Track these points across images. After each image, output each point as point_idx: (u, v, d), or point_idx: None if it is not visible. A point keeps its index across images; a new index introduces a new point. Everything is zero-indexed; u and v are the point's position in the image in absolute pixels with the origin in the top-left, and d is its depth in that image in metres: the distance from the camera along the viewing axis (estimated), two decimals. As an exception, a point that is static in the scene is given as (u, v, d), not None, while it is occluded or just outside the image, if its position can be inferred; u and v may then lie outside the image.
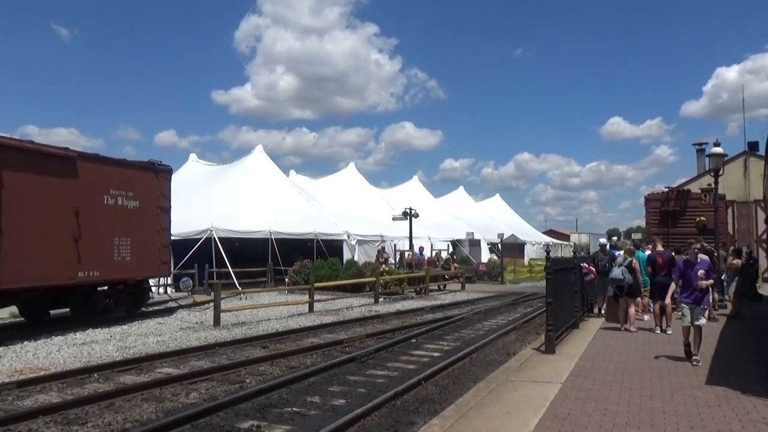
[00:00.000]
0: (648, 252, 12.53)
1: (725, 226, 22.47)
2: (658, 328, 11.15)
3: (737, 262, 14.47)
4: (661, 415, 5.75)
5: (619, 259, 11.83)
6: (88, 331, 12.90)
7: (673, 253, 12.37)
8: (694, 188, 23.22)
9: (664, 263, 11.52)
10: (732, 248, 16.74)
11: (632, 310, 11.45)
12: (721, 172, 16.28)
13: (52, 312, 14.80)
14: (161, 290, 21.47)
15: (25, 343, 11.42)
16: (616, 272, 11.39)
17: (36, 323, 13.98)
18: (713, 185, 16.63)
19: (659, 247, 12.62)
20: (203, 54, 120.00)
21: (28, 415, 6.53)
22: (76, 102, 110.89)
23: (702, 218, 19.92)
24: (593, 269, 12.60)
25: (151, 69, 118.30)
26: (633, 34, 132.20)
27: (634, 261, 11.58)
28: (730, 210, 25.86)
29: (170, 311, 17.03)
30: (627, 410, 5.93)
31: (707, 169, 18.26)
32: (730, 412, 5.81)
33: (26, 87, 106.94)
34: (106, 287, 14.81)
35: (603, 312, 13.16)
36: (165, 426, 6.07)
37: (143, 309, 16.61)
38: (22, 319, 14.60)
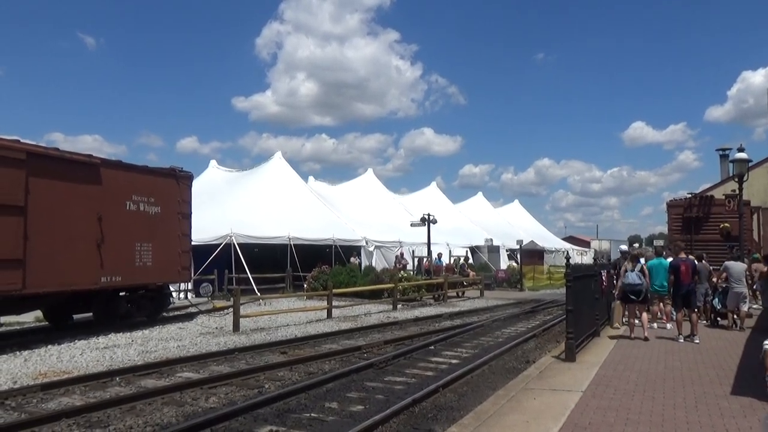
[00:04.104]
0: (671, 259, 12.33)
1: (750, 232, 22.02)
2: (681, 336, 10.98)
3: (765, 269, 14.10)
4: (684, 426, 5.64)
5: (638, 266, 11.63)
6: (110, 336, 13.09)
7: (696, 261, 12.14)
8: (718, 194, 22.82)
9: (687, 271, 11.34)
10: (757, 254, 16.35)
11: (645, 316, 11.30)
12: (745, 178, 15.98)
13: (75, 316, 15.06)
14: (182, 295, 21.71)
15: (49, 346, 11.62)
16: (633, 277, 11.07)
17: (60, 327, 14.21)
18: (738, 191, 16.33)
19: (682, 255, 12.40)
20: (225, 61, 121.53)
21: (51, 417, 6.64)
22: (101, 109, 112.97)
23: (726, 224, 19.53)
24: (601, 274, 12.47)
25: (173, 76, 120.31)
26: (656, 38, 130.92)
27: (644, 266, 11.45)
28: (755, 216, 25.31)
29: (190, 316, 17.20)
30: (650, 420, 5.83)
31: (731, 174, 17.89)
32: (756, 423, 5.67)
33: (52, 95, 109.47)
34: (127, 292, 15.02)
35: (624, 321, 12.98)
36: (185, 429, 6.14)
37: (164, 314, 16.80)
38: (47, 323, 14.87)
